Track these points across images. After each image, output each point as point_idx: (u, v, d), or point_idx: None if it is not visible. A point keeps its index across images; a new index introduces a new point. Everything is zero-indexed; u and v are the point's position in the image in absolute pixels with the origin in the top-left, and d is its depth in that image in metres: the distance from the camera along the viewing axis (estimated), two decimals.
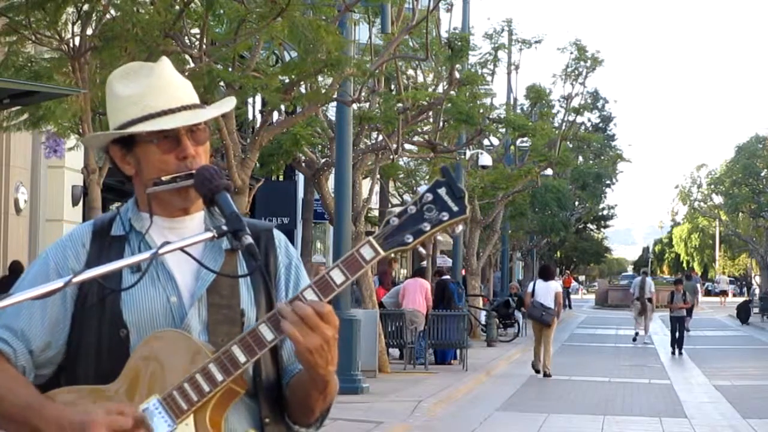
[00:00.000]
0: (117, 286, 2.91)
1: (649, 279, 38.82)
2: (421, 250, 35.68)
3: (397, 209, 2.89)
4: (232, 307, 2.96)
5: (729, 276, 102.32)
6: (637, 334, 36.74)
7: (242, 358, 2.80)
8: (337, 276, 2.80)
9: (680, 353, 30.53)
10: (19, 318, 2.91)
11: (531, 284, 25.42)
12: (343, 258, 2.82)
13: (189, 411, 2.81)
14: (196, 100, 3.04)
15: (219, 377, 2.79)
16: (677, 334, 31.03)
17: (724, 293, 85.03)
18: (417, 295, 23.80)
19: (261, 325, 2.81)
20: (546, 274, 25.03)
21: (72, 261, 2.98)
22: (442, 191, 2.82)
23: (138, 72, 3.01)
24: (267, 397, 2.96)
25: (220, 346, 2.86)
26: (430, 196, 2.82)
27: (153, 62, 3.06)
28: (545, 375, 23.88)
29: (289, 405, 2.99)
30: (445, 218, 2.81)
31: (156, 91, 2.96)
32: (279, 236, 3.11)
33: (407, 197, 35.87)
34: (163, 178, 2.92)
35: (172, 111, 2.95)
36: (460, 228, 33.61)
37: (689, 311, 44.25)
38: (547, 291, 23.97)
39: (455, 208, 2.82)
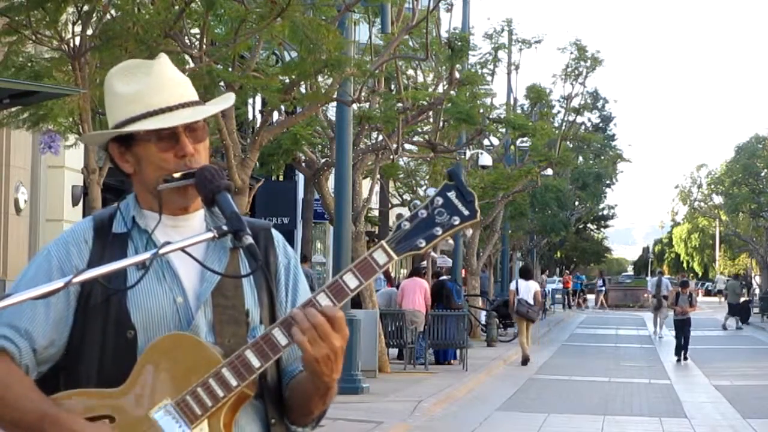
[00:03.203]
0: (122, 286, 2.88)
1: (664, 278, 41.88)
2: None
3: (407, 213, 2.89)
4: (237, 307, 2.95)
5: (729, 276, 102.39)
6: (654, 332, 39.61)
7: (256, 363, 2.79)
8: (351, 280, 2.81)
9: (685, 358, 28.77)
10: (22, 316, 2.88)
11: (513, 283, 27.90)
12: (356, 262, 2.82)
13: (203, 416, 2.79)
14: (195, 97, 3.02)
15: (233, 382, 2.78)
16: (682, 340, 28.89)
17: (721, 293, 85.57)
18: (416, 295, 23.80)
19: (275, 329, 2.80)
20: (526, 275, 27.75)
21: (75, 258, 2.95)
22: (452, 195, 2.84)
23: (137, 69, 2.99)
24: (272, 399, 2.96)
25: (227, 347, 2.85)
26: (440, 200, 2.84)
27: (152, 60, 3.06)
28: (526, 361, 26.33)
29: (288, 406, 2.98)
30: (457, 222, 2.85)
31: (155, 89, 2.94)
32: (277, 236, 3.10)
33: (407, 197, 35.88)
34: (175, 175, 2.91)
35: (170, 109, 2.93)
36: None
37: (735, 310, 45.37)
38: (528, 289, 26.68)
39: (466, 212, 2.86)
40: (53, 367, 2.94)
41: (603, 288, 72.65)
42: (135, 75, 2.98)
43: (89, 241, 2.98)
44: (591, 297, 77.74)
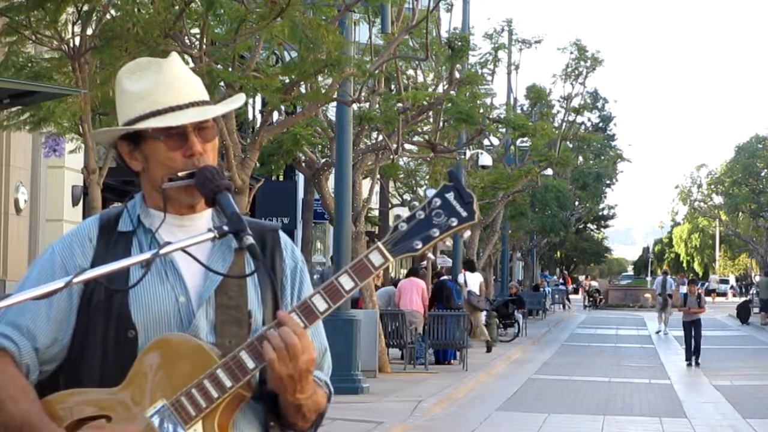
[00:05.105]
0: (124, 285, 2.86)
1: (669, 278, 45.03)
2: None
3: (406, 214, 2.88)
4: (240, 307, 2.93)
5: (729, 276, 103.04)
6: (658, 331, 41.64)
7: (251, 364, 2.77)
8: (346, 282, 2.80)
9: (697, 364, 27.03)
10: (24, 315, 2.87)
11: (462, 276, 29.50)
12: (352, 264, 2.81)
13: (197, 417, 2.78)
14: (205, 96, 3.01)
15: (227, 383, 2.77)
16: (693, 342, 27.05)
17: (713, 292, 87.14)
18: (413, 296, 23.80)
19: (270, 330, 2.78)
20: (471, 267, 30.22)
21: (79, 256, 2.93)
22: (450, 196, 2.82)
23: (146, 68, 2.98)
24: (271, 402, 2.93)
25: (228, 348, 2.84)
26: (438, 201, 2.82)
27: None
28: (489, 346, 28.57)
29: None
30: (454, 224, 2.82)
31: (163, 87, 2.93)
32: (285, 239, 3.09)
33: (407, 197, 35.87)
34: (180, 174, 2.89)
35: (179, 107, 2.92)
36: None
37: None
38: (474, 280, 29.09)
39: (464, 214, 2.83)
40: (56, 367, 2.93)
41: (565, 288, 73.13)
42: (145, 73, 2.97)
43: (94, 239, 2.96)
44: (574, 297, 78.22)
